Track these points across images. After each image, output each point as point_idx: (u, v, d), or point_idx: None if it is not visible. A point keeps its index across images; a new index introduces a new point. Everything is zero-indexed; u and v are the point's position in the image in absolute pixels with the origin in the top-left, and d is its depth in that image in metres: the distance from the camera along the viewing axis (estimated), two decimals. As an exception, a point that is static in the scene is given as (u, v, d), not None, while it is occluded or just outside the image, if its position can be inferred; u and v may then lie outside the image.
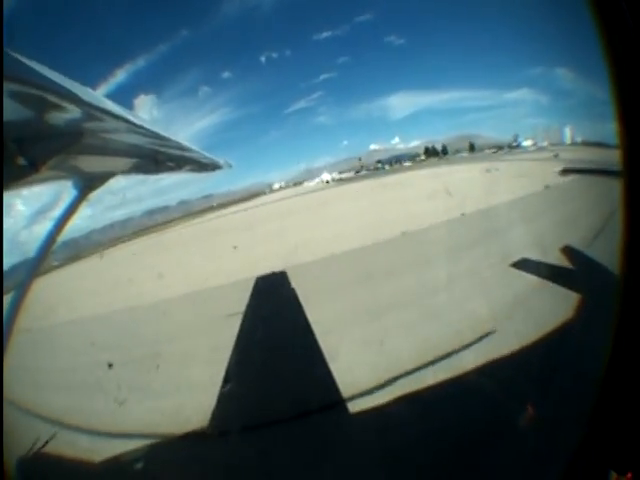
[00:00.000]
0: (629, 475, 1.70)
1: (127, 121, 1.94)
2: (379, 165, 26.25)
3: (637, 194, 2.01)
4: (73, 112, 1.68)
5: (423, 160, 21.60)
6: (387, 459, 3.70)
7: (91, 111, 1.67)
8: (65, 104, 1.60)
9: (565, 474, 2.15)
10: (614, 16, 1.80)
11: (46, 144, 1.73)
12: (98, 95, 2.19)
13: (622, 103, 1.91)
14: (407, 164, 24.55)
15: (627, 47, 1.76)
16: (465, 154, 19.57)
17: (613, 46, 1.82)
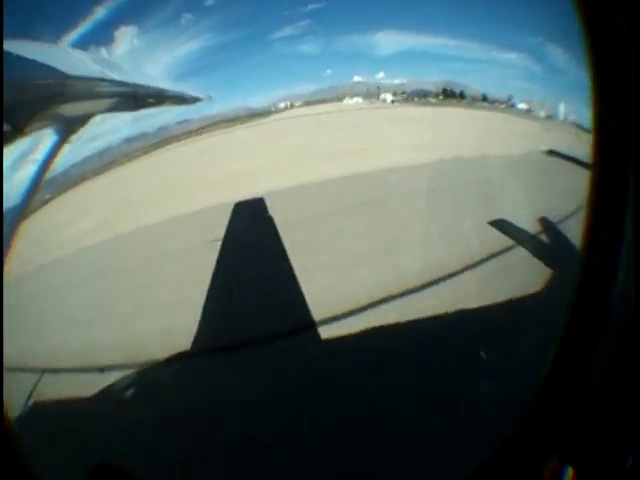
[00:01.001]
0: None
1: (105, 80, 1.94)
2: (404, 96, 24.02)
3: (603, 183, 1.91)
4: (52, 79, 1.70)
5: (442, 100, 19.90)
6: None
7: (69, 80, 1.69)
8: (44, 74, 1.62)
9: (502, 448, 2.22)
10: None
11: (28, 108, 1.75)
12: (76, 54, 2.14)
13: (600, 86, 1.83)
14: (432, 101, 22.78)
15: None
16: (485, 104, 18.57)
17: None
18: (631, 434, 1.68)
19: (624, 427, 1.71)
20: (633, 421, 1.70)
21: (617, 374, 1.77)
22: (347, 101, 12.92)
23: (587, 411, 1.71)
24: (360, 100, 13.72)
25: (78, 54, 2.08)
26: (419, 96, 14.02)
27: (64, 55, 1.75)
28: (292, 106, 12.16)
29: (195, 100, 5.05)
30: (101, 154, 5.62)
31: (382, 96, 13.75)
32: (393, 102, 14.68)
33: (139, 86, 3.31)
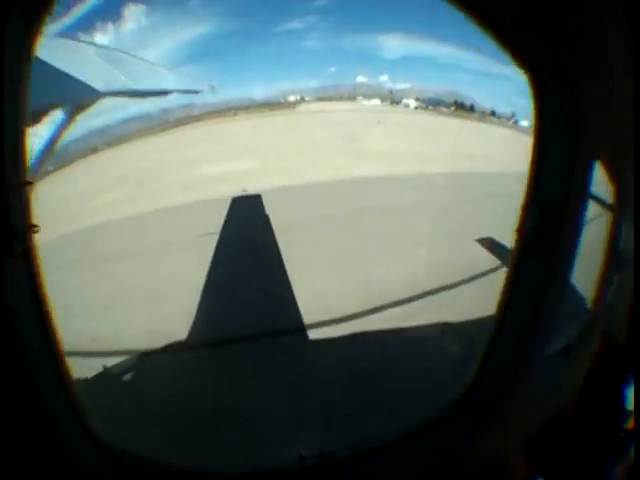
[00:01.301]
0: None
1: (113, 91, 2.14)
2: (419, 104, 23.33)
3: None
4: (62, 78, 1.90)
5: (454, 111, 19.08)
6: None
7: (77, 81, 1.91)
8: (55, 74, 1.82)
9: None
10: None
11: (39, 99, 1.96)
12: (84, 48, 2.33)
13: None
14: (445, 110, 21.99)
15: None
16: (495, 119, 18.09)
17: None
18: (603, 447, 1.82)
19: (596, 441, 1.84)
20: (604, 433, 1.86)
21: (591, 389, 1.97)
22: (365, 102, 12.53)
23: (560, 426, 1.85)
24: (378, 102, 13.35)
25: (86, 48, 2.29)
26: (433, 104, 13.74)
27: (72, 51, 1.96)
28: (302, 100, 11.81)
29: (196, 92, 5.34)
30: (100, 133, 5.74)
31: (405, 101, 13.44)
32: (416, 108, 14.06)
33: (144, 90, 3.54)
